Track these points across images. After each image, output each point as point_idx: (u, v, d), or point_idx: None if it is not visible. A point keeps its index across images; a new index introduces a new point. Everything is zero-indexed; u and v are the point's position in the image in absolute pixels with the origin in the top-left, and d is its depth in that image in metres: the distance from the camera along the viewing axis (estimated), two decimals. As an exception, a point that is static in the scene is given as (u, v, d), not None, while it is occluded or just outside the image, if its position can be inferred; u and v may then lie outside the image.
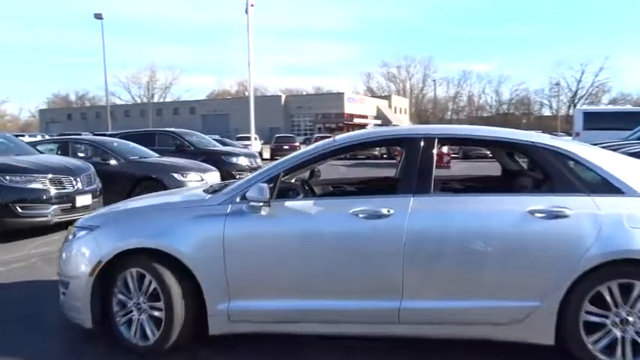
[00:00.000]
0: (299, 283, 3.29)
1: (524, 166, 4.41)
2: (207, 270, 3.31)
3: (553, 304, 3.08)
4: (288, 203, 3.38)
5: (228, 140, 28.85)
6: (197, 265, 3.31)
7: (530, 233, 3.09)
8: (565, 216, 3.09)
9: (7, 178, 7.20)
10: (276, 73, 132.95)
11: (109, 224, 3.56)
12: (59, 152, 10.43)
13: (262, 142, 38.58)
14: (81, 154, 10.72)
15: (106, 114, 42.51)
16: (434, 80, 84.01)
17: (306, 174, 5.00)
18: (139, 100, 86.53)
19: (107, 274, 3.48)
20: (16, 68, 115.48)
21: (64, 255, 3.66)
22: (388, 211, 3.20)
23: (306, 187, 4.18)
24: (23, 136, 27.44)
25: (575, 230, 3.06)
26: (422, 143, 3.40)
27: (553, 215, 3.09)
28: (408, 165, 3.39)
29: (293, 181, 4.85)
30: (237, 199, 3.39)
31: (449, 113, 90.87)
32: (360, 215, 3.22)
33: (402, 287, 3.18)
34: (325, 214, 3.30)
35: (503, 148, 4.23)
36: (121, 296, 3.49)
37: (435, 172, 3.40)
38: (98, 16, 38.35)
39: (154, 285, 3.37)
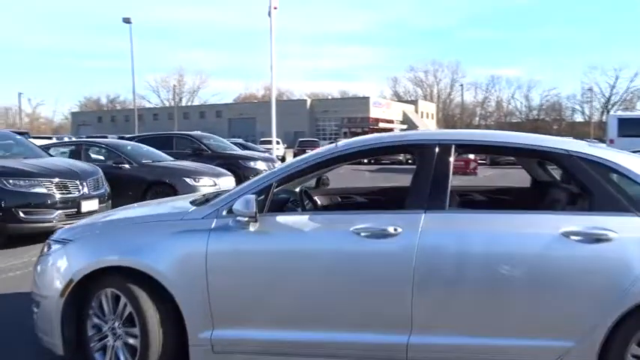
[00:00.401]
0: (291, 310, 2.86)
1: (557, 177, 3.89)
2: (188, 293, 2.91)
3: (591, 346, 2.57)
4: (281, 218, 2.95)
5: (250, 144, 28.68)
6: (177, 287, 2.91)
7: (564, 260, 2.60)
8: (607, 239, 2.58)
9: (11, 182, 6.95)
10: (303, 77, 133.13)
11: (82, 238, 3.18)
12: (72, 155, 10.22)
13: (285, 146, 38.35)
14: (97, 157, 10.53)
15: (135, 117, 42.92)
16: (461, 85, 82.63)
17: (312, 182, 4.59)
18: (167, 104, 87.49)
19: (83, 293, 3.11)
20: (52, 72, 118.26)
21: (37, 270, 3.30)
22: (395, 229, 2.75)
23: (307, 198, 3.74)
24: (50, 138, 27.69)
25: (621, 257, 2.55)
26: (436, 150, 2.93)
27: (593, 239, 2.59)
28: (419, 176, 2.92)
29: (299, 190, 4.46)
30: (224, 213, 2.98)
31: (477, 119, 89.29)
32: (362, 234, 2.78)
33: (411, 319, 2.72)
34: (322, 231, 2.87)
35: (533, 157, 3.70)
36: (96, 319, 3.11)
37: (455, 180, 2.94)
38: (127, 21, 38.86)
39: (129, 308, 2.99)
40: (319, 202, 4.37)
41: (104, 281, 3.06)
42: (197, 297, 2.91)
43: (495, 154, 3.32)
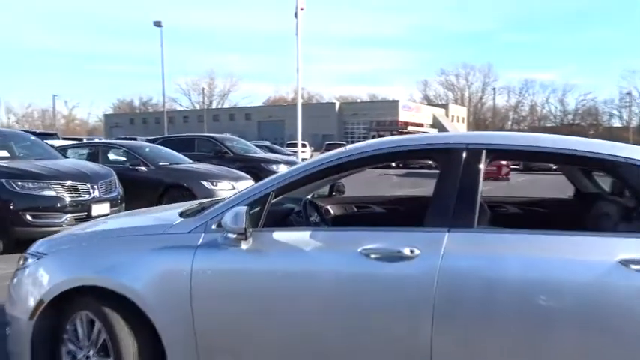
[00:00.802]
0: (287, 344, 2.43)
1: (606, 188, 3.34)
2: (169, 319, 2.50)
3: None
4: (278, 234, 2.52)
5: (277, 147, 28.40)
6: (157, 312, 2.51)
7: (621, 294, 2.09)
8: None
9: (19, 184, 6.71)
10: (332, 81, 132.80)
11: (57, 252, 2.81)
12: (90, 157, 10.02)
13: (312, 149, 37.96)
14: (115, 159, 10.31)
15: (167, 120, 43.28)
16: (493, 88, 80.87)
17: (326, 190, 4.15)
18: (198, 107, 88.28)
19: (58, 314, 2.74)
20: (88, 76, 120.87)
21: (11, 285, 2.95)
22: (412, 251, 2.28)
23: (314, 209, 3.29)
24: (81, 139, 27.95)
25: None
26: (463, 156, 2.46)
27: None
28: (442, 187, 2.45)
29: (311, 196, 4.03)
30: (213, 227, 2.57)
31: (509, 123, 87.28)
32: (373, 255, 2.32)
33: (431, 358, 2.25)
34: (325, 251, 2.42)
35: (581, 165, 3.16)
36: (71, 345, 2.74)
37: (485, 187, 2.47)
38: (157, 24, 39.25)
39: (103, 335, 2.60)
40: (332, 212, 3.93)
41: (79, 303, 2.68)
42: (180, 325, 2.50)
43: (538, 161, 2.75)
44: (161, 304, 2.50)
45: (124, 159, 9.95)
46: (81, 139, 27.88)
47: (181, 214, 2.83)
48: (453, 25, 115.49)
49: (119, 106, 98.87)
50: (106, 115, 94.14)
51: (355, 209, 3.98)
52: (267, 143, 29.21)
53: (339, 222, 3.80)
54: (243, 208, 2.41)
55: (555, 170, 17.58)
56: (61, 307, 2.72)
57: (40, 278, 2.73)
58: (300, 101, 21.95)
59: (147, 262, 2.55)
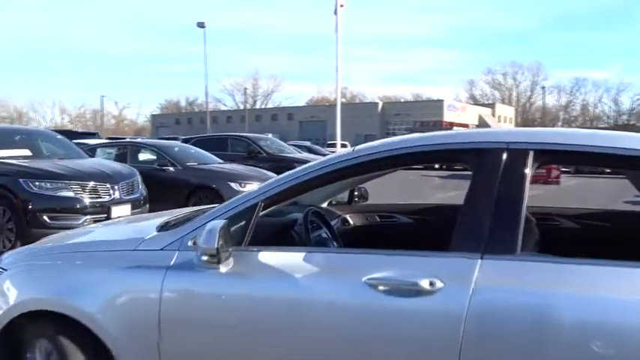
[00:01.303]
0: None
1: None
2: (132, 352, 2.06)
3: None
4: (265, 255, 2.02)
5: (317, 147, 27.97)
6: (119, 345, 2.07)
7: None
8: None
9: (37, 184, 6.48)
10: (376, 81, 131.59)
11: (16, 269, 2.41)
12: (118, 156, 9.83)
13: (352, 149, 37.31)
14: (143, 158, 10.09)
15: (210, 119, 43.70)
16: (543, 88, 77.99)
17: (345, 196, 3.64)
18: (241, 107, 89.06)
19: (19, 340, 2.35)
20: (137, 78, 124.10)
21: None
22: (432, 283, 1.75)
23: (320, 221, 2.77)
24: (123, 139, 28.30)
25: None
26: (503, 159, 1.89)
27: None
28: (475, 199, 1.89)
29: (328, 203, 3.53)
30: (190, 243, 2.10)
31: (559, 123, 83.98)
32: (381, 287, 1.80)
33: None
34: (320, 279, 1.91)
35: None
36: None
37: (532, 193, 1.90)
38: (201, 25, 39.72)
39: (60, 369, 2.17)
40: (350, 222, 3.42)
41: (36, 328, 2.27)
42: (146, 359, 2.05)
43: (606, 165, 2.06)
44: (124, 334, 2.06)
45: (153, 158, 9.70)
46: (123, 139, 28.26)
47: (160, 227, 2.36)
48: (500, 25, 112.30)
49: (166, 106, 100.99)
50: (152, 115, 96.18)
51: (378, 219, 3.45)
52: (307, 143, 28.87)
53: (356, 235, 3.28)
54: (220, 223, 1.93)
55: (610, 173, 16.38)
56: (23, 331, 2.33)
57: None
58: (339, 100, 21.45)
59: (110, 284, 2.12)
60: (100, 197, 6.84)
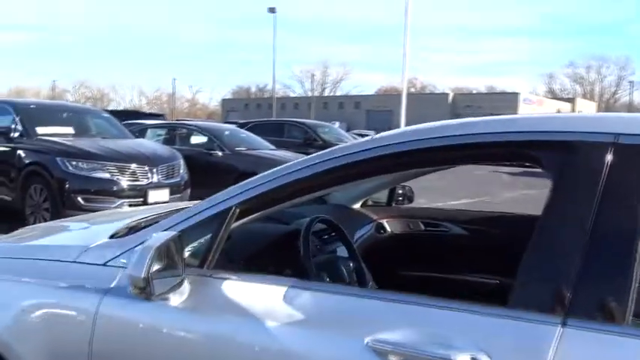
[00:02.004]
0: None
1: None
2: None
3: None
4: (230, 286, 1.40)
5: (380, 137, 27.14)
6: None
7: None
8: None
9: (73, 163, 6.22)
10: (448, 72, 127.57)
11: None
12: (167, 138, 9.54)
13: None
14: (195, 141, 9.76)
15: (279, 105, 43.82)
16: (630, 82, 72.56)
17: (383, 195, 2.96)
18: (310, 94, 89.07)
19: None
20: (212, 63, 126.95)
21: None
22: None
23: (334, 231, 2.10)
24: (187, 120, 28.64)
25: None
26: (607, 160, 1.15)
27: None
28: (557, 220, 1.17)
29: (362, 204, 2.89)
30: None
31: (648, 121, 77.90)
32: (392, 358, 1.13)
33: None
34: (303, 332, 1.27)
35: None
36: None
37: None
38: (271, 10, 39.81)
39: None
40: (387, 229, 2.74)
41: None
42: None
43: None
44: None
45: (202, 142, 9.35)
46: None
47: (116, 233, 1.78)
48: (585, 15, 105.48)
49: (237, 92, 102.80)
50: (223, 100, 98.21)
51: (422, 227, 2.74)
52: (372, 133, 28.12)
53: (391, 246, 2.62)
54: (158, 240, 1.33)
55: None
56: None
57: None
58: (405, 89, 20.58)
59: (35, 307, 1.57)
60: (137, 180, 6.51)
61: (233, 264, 1.64)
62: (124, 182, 6.38)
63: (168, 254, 1.34)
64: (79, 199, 6.15)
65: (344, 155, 1.45)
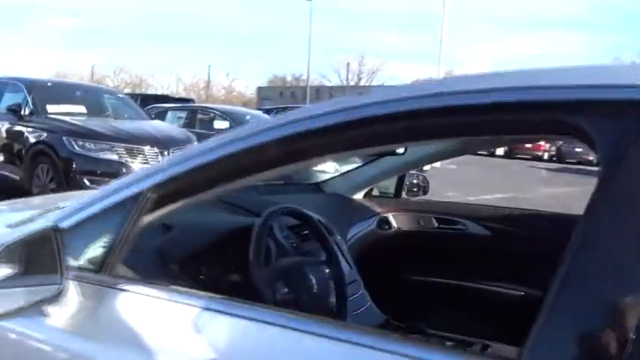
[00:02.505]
0: None
1: None
2: None
3: None
4: (126, 300, 0.99)
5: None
6: None
7: None
8: None
9: (80, 143, 5.97)
10: (489, 63, 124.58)
11: None
12: (187, 121, 9.27)
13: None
14: (217, 125, 9.45)
15: (313, 94, 43.56)
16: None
17: (390, 185, 2.51)
18: (346, 84, 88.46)
19: None
20: (249, 51, 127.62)
21: None
22: None
23: (313, 229, 1.66)
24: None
25: None
26: None
27: None
28: (607, 225, 0.71)
29: (365, 195, 2.46)
30: None
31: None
32: None
33: None
34: None
35: None
36: None
37: None
38: (307, -3, 39.48)
39: None
40: (394, 225, 2.29)
41: None
42: None
43: None
44: None
45: (223, 126, 9.03)
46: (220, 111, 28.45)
47: (18, 221, 1.39)
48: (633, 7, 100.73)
49: (273, 80, 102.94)
50: (258, 88, 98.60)
51: (435, 224, 2.27)
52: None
53: (395, 246, 2.18)
54: (15, 234, 0.93)
55: None
56: None
57: None
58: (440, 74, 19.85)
59: None
60: (147, 162, 6.21)
61: (165, 267, 1.24)
62: (133, 164, 6.10)
63: (32, 256, 0.95)
64: (85, 180, 5.90)
65: (304, 118, 1.01)
